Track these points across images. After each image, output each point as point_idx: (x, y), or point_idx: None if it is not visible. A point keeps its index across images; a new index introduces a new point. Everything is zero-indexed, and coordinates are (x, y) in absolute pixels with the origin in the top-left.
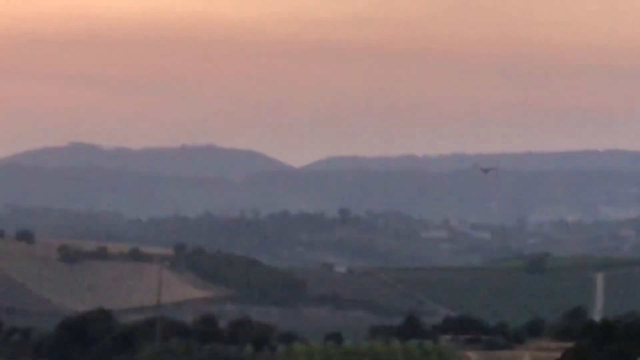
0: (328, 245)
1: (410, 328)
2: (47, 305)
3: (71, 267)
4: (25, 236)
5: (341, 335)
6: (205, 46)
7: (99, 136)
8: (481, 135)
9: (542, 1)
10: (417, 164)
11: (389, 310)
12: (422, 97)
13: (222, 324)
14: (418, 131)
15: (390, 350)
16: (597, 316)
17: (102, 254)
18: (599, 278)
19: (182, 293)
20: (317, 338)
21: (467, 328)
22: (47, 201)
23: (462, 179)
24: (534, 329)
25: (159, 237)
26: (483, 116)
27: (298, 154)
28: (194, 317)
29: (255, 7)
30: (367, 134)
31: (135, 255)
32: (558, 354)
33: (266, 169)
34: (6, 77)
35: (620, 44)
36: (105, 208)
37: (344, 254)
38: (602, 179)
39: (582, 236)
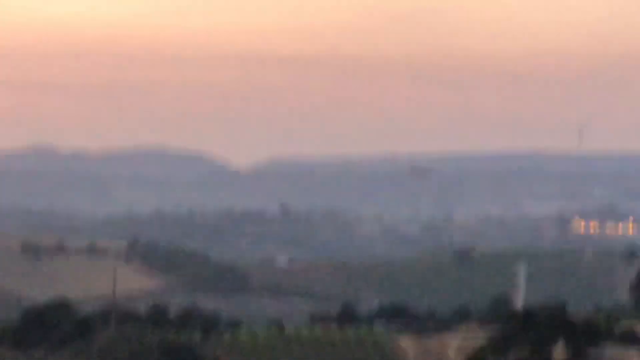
0: (270, 240)
1: (347, 315)
2: (9, 296)
3: (32, 262)
4: None
5: (283, 322)
6: (156, 54)
7: (57, 139)
8: (412, 136)
9: (463, 11)
10: (352, 163)
11: (327, 299)
12: (357, 100)
13: (173, 312)
14: (353, 133)
15: (328, 336)
16: (519, 304)
17: (61, 249)
18: (521, 269)
19: (136, 284)
20: (261, 325)
21: (399, 315)
22: (8, 200)
23: (394, 177)
24: (462, 316)
25: (114, 232)
26: (414, 118)
27: (241, 155)
28: (146, 306)
29: (200, 19)
30: (306, 136)
31: (92, 250)
32: (484, 339)
33: (213, 169)
34: None
35: (537, 53)
36: (63, 206)
37: (284, 248)
38: (524, 177)
39: (504, 230)
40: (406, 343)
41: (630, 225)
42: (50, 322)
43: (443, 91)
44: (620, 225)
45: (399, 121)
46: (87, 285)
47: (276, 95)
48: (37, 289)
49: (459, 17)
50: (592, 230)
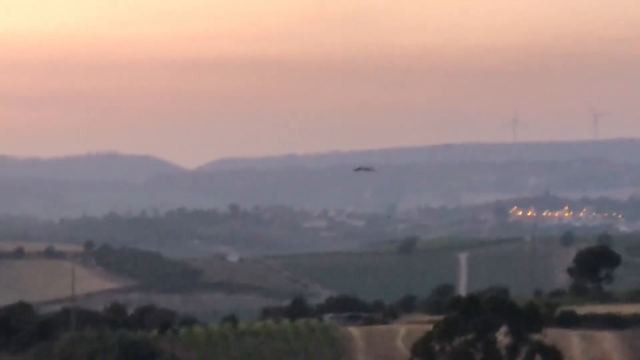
0: (221, 238)
1: (297, 308)
2: None
3: None
4: None
5: (236, 317)
6: (102, 62)
7: (12, 148)
8: (353, 134)
9: (396, 10)
10: (298, 161)
11: (278, 293)
12: (299, 101)
13: (130, 311)
14: (298, 132)
15: (280, 329)
16: (462, 292)
17: (19, 253)
18: (463, 258)
19: (93, 285)
20: (215, 321)
21: (347, 307)
22: None
23: (337, 173)
24: (407, 305)
25: (70, 236)
26: (354, 116)
27: (191, 157)
28: (104, 306)
29: (143, 27)
30: (253, 136)
31: (50, 253)
32: (430, 326)
33: (163, 171)
34: None
35: (471, 48)
36: (20, 212)
37: (235, 245)
38: (462, 168)
39: (446, 220)
40: (355, 333)
41: (566, 212)
42: (11, 326)
43: (381, 89)
44: (557, 213)
45: (340, 119)
46: (46, 288)
47: (222, 98)
48: None
49: (392, 16)
50: (529, 218)
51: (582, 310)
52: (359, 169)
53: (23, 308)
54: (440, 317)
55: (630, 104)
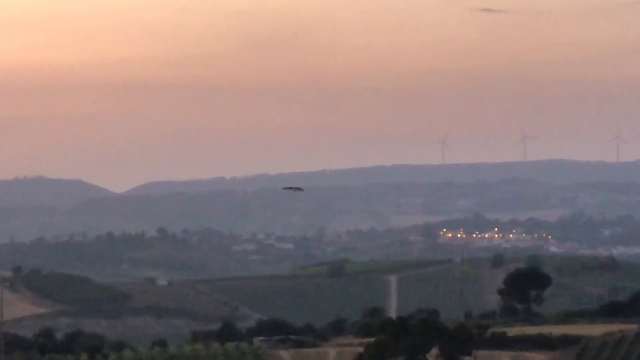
0: (149, 262)
1: (227, 332)
2: None
3: None
4: None
5: (166, 341)
6: (29, 87)
7: None
8: (281, 157)
9: (322, 33)
10: (226, 185)
11: (207, 317)
12: (227, 126)
13: (59, 336)
14: (225, 156)
15: (210, 353)
16: (392, 313)
17: None
18: (392, 279)
19: (21, 310)
20: (144, 345)
21: (277, 330)
22: None
23: (266, 196)
24: (338, 328)
25: None
26: (282, 140)
27: (119, 181)
28: (33, 331)
29: (69, 51)
30: (180, 160)
31: None
32: (360, 349)
33: (91, 195)
34: None
35: (401, 70)
36: None
37: (164, 269)
38: (391, 191)
39: (375, 243)
40: (285, 356)
41: (495, 234)
42: None
43: (308, 111)
44: (486, 234)
45: (268, 142)
46: None
47: (149, 121)
48: None
49: (323, 38)
50: (458, 240)
51: (513, 331)
52: (288, 188)
53: None
54: (370, 340)
55: (559, 125)
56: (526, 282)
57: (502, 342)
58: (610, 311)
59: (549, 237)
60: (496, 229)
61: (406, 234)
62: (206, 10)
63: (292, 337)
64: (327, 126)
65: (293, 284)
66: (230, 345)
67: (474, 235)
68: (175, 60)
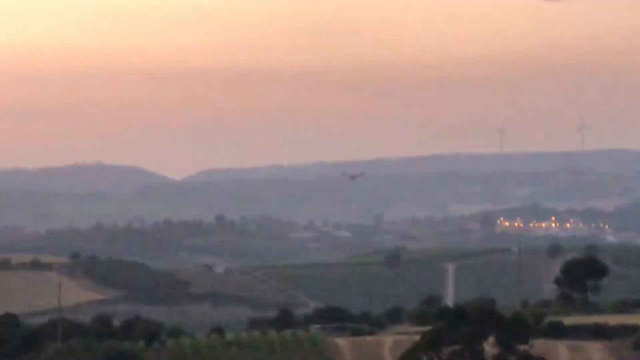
0: (207, 249)
1: (284, 319)
2: None
3: None
4: None
5: (222, 328)
6: (88, 73)
7: None
8: (339, 145)
9: (384, 20)
10: (284, 172)
11: (264, 304)
12: (285, 113)
13: (116, 322)
14: (283, 143)
15: (267, 340)
16: (449, 302)
17: (5, 265)
18: (450, 268)
19: (79, 297)
20: (202, 332)
21: (334, 317)
22: None
23: (323, 184)
24: (394, 316)
25: (56, 247)
26: (341, 126)
27: (177, 168)
28: (91, 317)
29: (127, 38)
30: (240, 147)
31: (36, 265)
32: (417, 337)
33: (149, 182)
34: None
35: (459, 58)
36: (6, 223)
37: (221, 256)
38: (449, 179)
39: (432, 231)
40: (342, 344)
41: (553, 223)
42: None
43: (368, 100)
44: (544, 224)
45: (326, 129)
46: (33, 299)
47: (209, 109)
48: None
49: (381, 27)
50: (516, 229)
51: (569, 320)
52: (346, 175)
53: (9, 319)
54: (427, 328)
55: (617, 114)
56: (583, 271)
57: (558, 332)
58: None
59: (606, 226)
60: (553, 218)
61: (464, 222)
62: None
63: (349, 325)
64: (385, 114)
65: (350, 272)
66: (287, 333)
67: (531, 224)
68: (232, 46)
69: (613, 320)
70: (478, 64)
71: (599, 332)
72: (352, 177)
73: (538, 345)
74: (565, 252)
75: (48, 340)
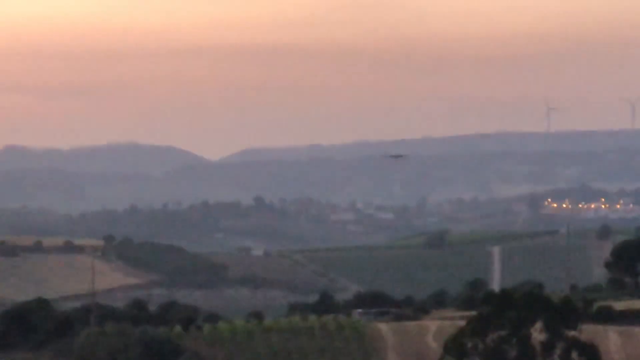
0: (245, 231)
1: (325, 304)
2: None
3: (10, 261)
4: None
5: (262, 313)
6: (122, 51)
7: (31, 139)
8: (381, 124)
9: None
10: (324, 152)
11: (304, 288)
12: (326, 90)
13: (152, 307)
14: (323, 122)
15: (307, 325)
16: (495, 286)
17: (38, 248)
18: (496, 251)
19: (113, 280)
20: (239, 317)
21: (376, 302)
22: None
23: (365, 164)
24: (439, 300)
25: (90, 229)
26: (383, 105)
27: (214, 147)
28: (125, 302)
29: (163, 15)
30: (278, 126)
31: (69, 248)
32: (462, 322)
33: (185, 162)
34: None
35: (505, 35)
36: (38, 205)
37: (260, 239)
38: (495, 159)
39: (478, 213)
40: (384, 329)
41: (602, 204)
42: (30, 322)
43: (410, 77)
44: (593, 205)
45: (368, 109)
46: (65, 283)
47: (246, 88)
48: (16, 288)
49: (422, 3)
50: (564, 210)
51: (620, 305)
52: (389, 155)
53: (42, 304)
54: (472, 313)
55: None
56: (634, 254)
57: (608, 317)
58: None
59: None
60: (603, 199)
61: (510, 203)
62: None
63: (391, 309)
64: (429, 92)
65: (393, 255)
66: (327, 318)
67: (580, 205)
68: (273, 23)
69: None
70: (527, 40)
71: None
72: (395, 157)
73: (587, 330)
74: (616, 235)
75: (81, 325)
